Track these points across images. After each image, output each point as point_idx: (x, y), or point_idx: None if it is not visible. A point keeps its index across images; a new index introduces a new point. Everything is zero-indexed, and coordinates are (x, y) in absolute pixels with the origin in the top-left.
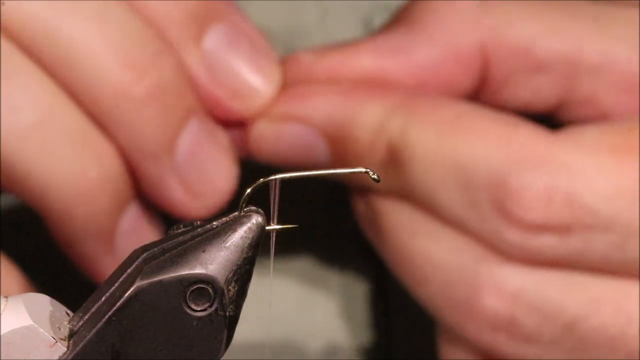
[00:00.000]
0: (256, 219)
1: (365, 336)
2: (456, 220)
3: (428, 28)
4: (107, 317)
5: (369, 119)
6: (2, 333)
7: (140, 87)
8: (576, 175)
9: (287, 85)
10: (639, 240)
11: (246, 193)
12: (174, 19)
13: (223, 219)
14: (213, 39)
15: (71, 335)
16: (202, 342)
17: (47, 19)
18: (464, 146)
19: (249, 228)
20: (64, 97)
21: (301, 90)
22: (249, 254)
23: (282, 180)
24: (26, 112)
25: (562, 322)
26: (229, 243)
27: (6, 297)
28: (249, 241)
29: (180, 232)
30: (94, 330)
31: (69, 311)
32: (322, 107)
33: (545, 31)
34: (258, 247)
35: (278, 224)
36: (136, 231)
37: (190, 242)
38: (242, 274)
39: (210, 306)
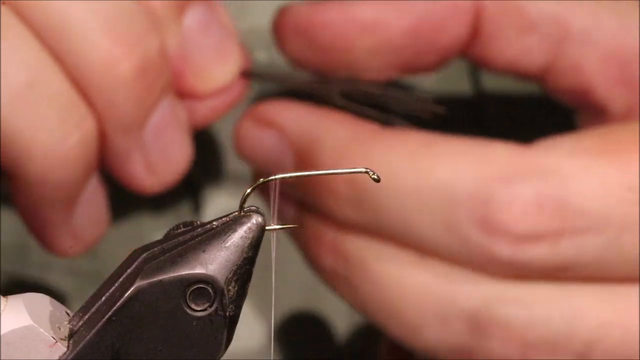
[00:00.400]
0: (256, 219)
1: (368, 335)
2: (436, 248)
3: None
4: (107, 317)
5: (332, 144)
6: (2, 333)
7: (127, 63)
8: (562, 179)
9: (286, 36)
10: (633, 235)
11: (246, 193)
12: None
13: (223, 219)
14: (190, 19)
15: (71, 335)
16: (202, 342)
17: None
18: (440, 169)
19: (249, 228)
20: (52, 62)
21: (284, 103)
22: (249, 254)
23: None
24: (16, 72)
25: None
26: (229, 243)
27: (6, 297)
28: (249, 241)
29: (180, 232)
30: (94, 330)
31: (69, 311)
32: (296, 121)
33: None
34: (258, 247)
35: (278, 224)
36: (93, 201)
37: (190, 242)
38: (242, 274)
39: (210, 306)
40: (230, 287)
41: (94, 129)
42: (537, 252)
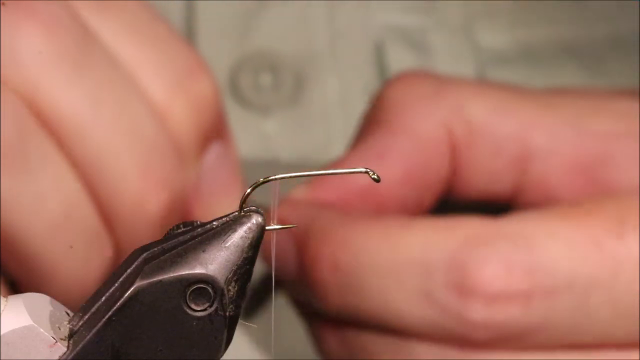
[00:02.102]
0: (256, 219)
1: None
2: (416, 324)
3: (395, 124)
4: (107, 317)
5: (319, 226)
6: (2, 333)
7: (155, 203)
8: (530, 242)
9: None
10: (601, 293)
11: (246, 193)
12: (191, 135)
13: (223, 219)
14: (208, 157)
15: (71, 335)
16: (202, 342)
17: (86, 121)
18: (414, 243)
19: (249, 228)
20: (86, 194)
21: (289, 203)
22: (249, 254)
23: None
24: (55, 203)
25: None
26: (229, 243)
27: (6, 297)
28: (249, 241)
29: (180, 232)
30: (94, 330)
31: (69, 311)
32: (298, 218)
33: (497, 110)
34: (258, 247)
35: (278, 224)
36: None
37: (190, 242)
38: (242, 274)
39: (210, 306)
40: (230, 287)
41: (112, 253)
42: (510, 313)
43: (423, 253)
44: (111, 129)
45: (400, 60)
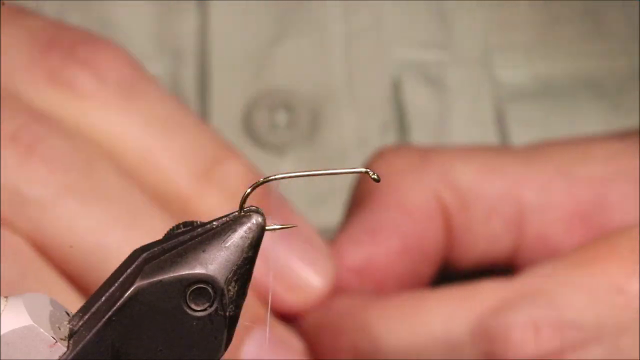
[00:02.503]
0: (256, 219)
1: None
2: None
3: (384, 199)
4: (107, 317)
5: (337, 313)
6: (2, 333)
7: None
8: (552, 298)
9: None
10: (631, 337)
11: (246, 193)
12: None
13: (223, 219)
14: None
15: (71, 335)
16: (202, 342)
17: (98, 250)
18: (434, 320)
19: (249, 228)
20: None
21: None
22: (249, 254)
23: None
24: None
25: None
26: (229, 243)
27: (6, 297)
28: (249, 241)
29: (180, 232)
30: (94, 330)
31: (69, 311)
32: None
33: (484, 172)
34: (258, 247)
35: (278, 224)
36: None
37: (190, 242)
38: (242, 274)
39: (210, 306)
40: (230, 287)
41: None
42: None
43: (444, 328)
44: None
45: (417, 96)
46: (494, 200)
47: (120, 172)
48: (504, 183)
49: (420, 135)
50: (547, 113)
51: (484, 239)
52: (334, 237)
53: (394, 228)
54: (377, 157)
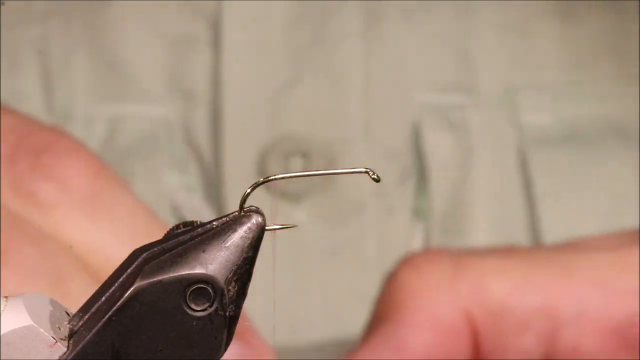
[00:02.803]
0: (256, 219)
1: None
2: None
3: (413, 314)
4: (107, 317)
5: None
6: (2, 333)
7: None
8: None
9: None
10: None
11: (246, 193)
12: None
13: (223, 218)
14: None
15: (71, 335)
16: (202, 342)
17: None
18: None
19: (249, 228)
20: None
21: None
22: (249, 254)
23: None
24: None
25: None
26: (229, 243)
27: (6, 297)
28: (249, 241)
29: (180, 232)
30: (94, 330)
31: (69, 311)
32: None
33: (519, 287)
34: (258, 247)
35: (278, 224)
36: None
37: (190, 242)
38: (242, 274)
39: (210, 306)
40: (230, 287)
41: None
42: None
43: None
44: None
45: (438, 142)
46: (527, 315)
47: (89, 281)
48: (540, 298)
49: (440, 185)
50: (573, 159)
51: (515, 353)
52: (354, 348)
53: (421, 346)
54: (406, 265)
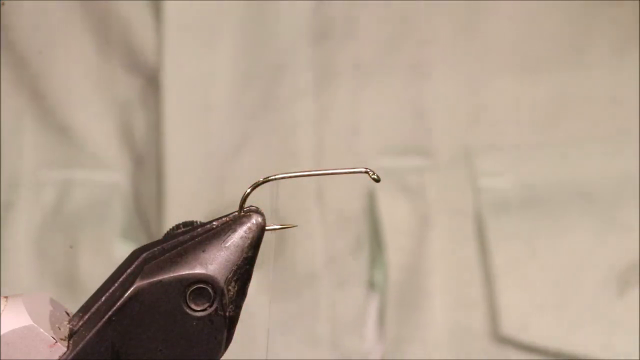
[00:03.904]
0: (256, 219)
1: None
2: None
3: None
4: (107, 317)
5: None
6: (2, 333)
7: None
8: None
9: None
10: None
11: (246, 193)
12: None
13: (223, 218)
14: None
15: (71, 335)
16: (202, 342)
17: None
18: None
19: (249, 228)
20: None
21: None
22: (249, 254)
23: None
24: None
25: None
26: (229, 243)
27: (6, 297)
28: (249, 241)
29: (180, 232)
30: (94, 330)
31: (69, 311)
32: None
33: None
34: (258, 247)
35: (278, 224)
36: None
37: (190, 242)
38: (242, 274)
39: (210, 306)
40: (230, 287)
41: None
42: None
43: None
44: None
45: (393, 208)
46: None
47: None
48: None
49: (396, 253)
50: (532, 226)
51: None
52: None
53: None
54: None
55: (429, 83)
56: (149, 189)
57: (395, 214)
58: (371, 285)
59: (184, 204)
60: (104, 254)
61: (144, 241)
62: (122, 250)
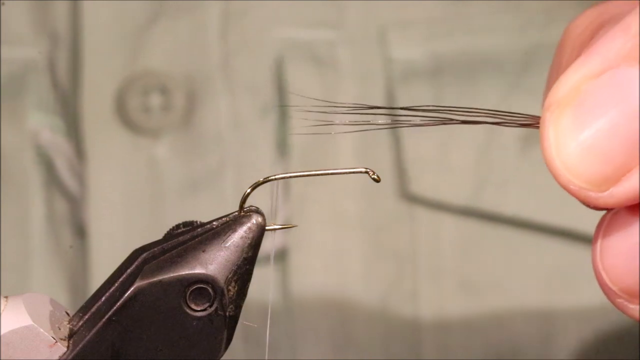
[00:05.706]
0: (256, 219)
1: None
2: None
3: None
4: (107, 317)
5: None
6: (2, 333)
7: None
8: None
9: None
10: None
11: (246, 193)
12: None
13: (223, 219)
14: None
15: (71, 335)
16: (202, 342)
17: None
18: None
19: (249, 228)
20: None
21: None
22: (249, 254)
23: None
24: None
25: None
26: (229, 243)
27: (6, 297)
28: (249, 241)
29: (180, 232)
30: (94, 330)
31: (69, 311)
32: None
33: None
34: (258, 247)
35: (278, 224)
36: None
37: (190, 242)
38: (242, 274)
39: (210, 306)
40: (230, 287)
41: None
42: None
43: None
44: None
45: (300, 77)
46: None
47: None
48: None
49: (300, 117)
50: (441, 92)
51: None
52: None
53: None
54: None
55: None
56: (63, 62)
57: (303, 81)
58: (278, 148)
59: (98, 72)
60: (20, 125)
61: (59, 111)
62: (37, 122)
